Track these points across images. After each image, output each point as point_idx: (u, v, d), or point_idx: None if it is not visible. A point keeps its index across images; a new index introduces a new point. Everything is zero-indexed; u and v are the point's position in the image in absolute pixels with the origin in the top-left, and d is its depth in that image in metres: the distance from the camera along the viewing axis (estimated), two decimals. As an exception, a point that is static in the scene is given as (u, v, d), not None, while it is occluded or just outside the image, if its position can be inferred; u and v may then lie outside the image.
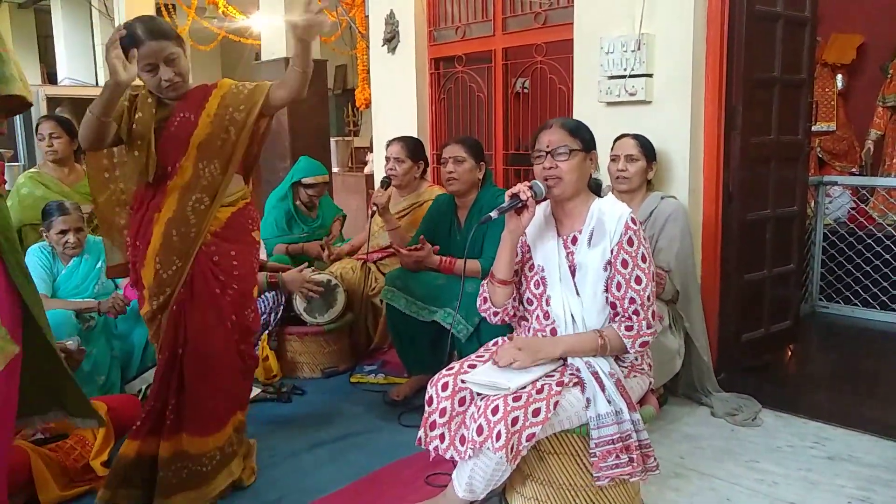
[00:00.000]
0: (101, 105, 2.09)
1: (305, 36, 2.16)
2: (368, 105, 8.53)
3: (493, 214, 2.06)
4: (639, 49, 3.05)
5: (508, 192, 2.07)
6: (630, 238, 1.96)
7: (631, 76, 3.10)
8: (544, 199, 2.10)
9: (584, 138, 2.06)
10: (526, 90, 4.10)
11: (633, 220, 1.98)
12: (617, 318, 1.98)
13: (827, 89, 5.39)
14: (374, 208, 3.31)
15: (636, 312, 1.95)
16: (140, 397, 2.94)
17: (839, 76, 5.42)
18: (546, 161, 2.03)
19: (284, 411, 3.07)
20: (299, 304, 3.41)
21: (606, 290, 1.98)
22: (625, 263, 1.96)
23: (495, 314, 2.16)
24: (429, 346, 3.08)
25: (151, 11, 8.61)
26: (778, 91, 3.24)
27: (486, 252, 2.86)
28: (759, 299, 3.35)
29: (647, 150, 2.95)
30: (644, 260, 1.96)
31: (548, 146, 2.03)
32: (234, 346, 2.33)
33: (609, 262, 1.98)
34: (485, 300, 2.18)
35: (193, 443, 2.23)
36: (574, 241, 2.06)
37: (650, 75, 3.09)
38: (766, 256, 3.35)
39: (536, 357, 1.93)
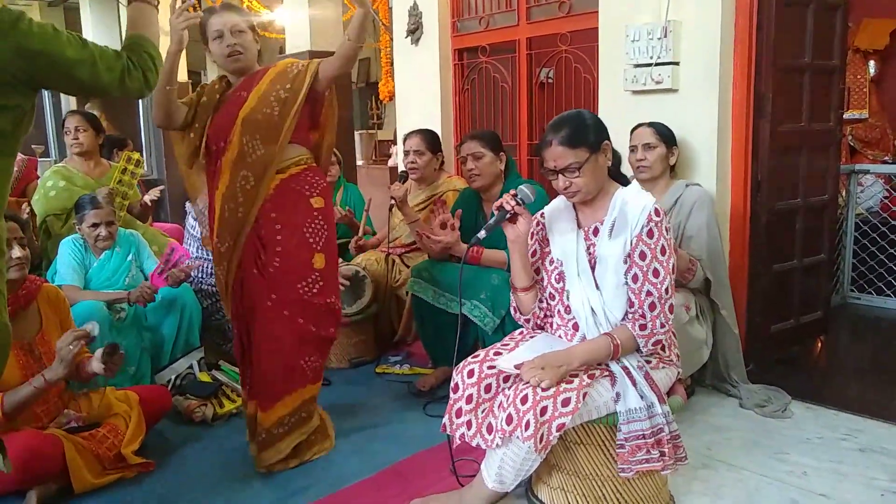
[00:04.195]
0: (163, 74, 2.18)
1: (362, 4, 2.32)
2: (392, 98, 8.57)
3: (482, 235, 2.05)
4: (665, 37, 3.01)
5: (494, 205, 2.07)
6: (650, 229, 1.91)
7: (657, 64, 3.06)
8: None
9: (587, 143, 1.95)
10: (550, 80, 4.07)
11: (656, 212, 1.92)
12: (631, 314, 1.93)
13: (859, 76, 5.27)
14: (393, 202, 3.32)
15: (652, 306, 1.91)
16: (169, 387, 2.98)
17: (871, 62, 5.30)
18: (560, 180, 1.98)
19: (311, 401, 3.09)
20: (326, 295, 3.43)
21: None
22: (643, 255, 1.91)
23: (527, 321, 2.16)
24: (453, 337, 3.08)
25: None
26: (809, 78, 3.18)
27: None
28: (788, 290, 3.30)
29: (665, 135, 2.92)
30: (663, 252, 1.91)
31: (555, 166, 1.97)
32: (276, 325, 2.37)
33: (629, 255, 1.93)
34: (515, 309, 2.18)
35: (260, 413, 2.42)
36: (595, 232, 2.02)
37: (677, 63, 3.05)
38: (795, 246, 3.30)
39: (560, 374, 1.83)
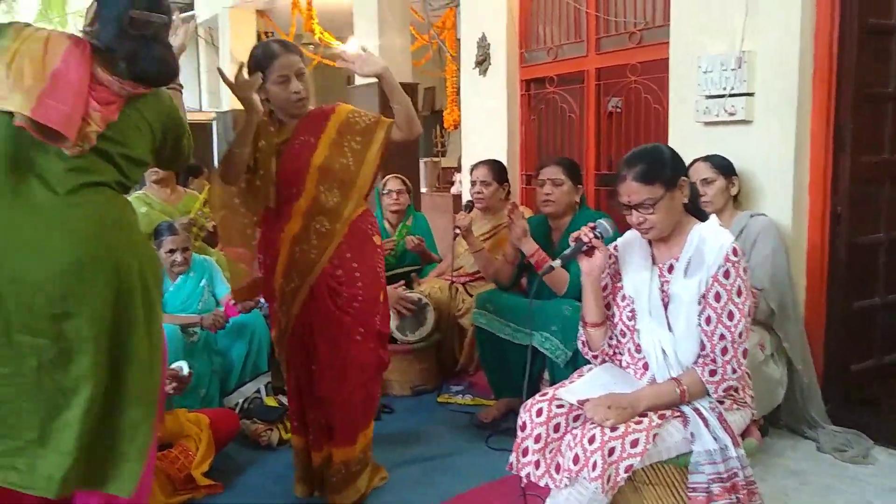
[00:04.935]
0: (239, 138, 2.24)
1: (366, 73, 2.32)
2: (457, 126, 8.63)
3: (556, 264, 2.03)
4: (739, 67, 2.95)
5: (572, 237, 2.03)
6: (727, 270, 1.83)
7: (731, 95, 3.00)
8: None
9: (664, 179, 1.89)
10: (617, 109, 4.04)
11: (734, 251, 1.84)
12: (702, 358, 1.86)
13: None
14: (457, 231, 3.33)
15: (724, 351, 1.83)
16: (237, 410, 3.05)
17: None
18: (633, 216, 1.93)
19: (375, 428, 3.05)
20: (392, 320, 3.45)
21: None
22: (718, 297, 1.84)
23: (595, 357, 2.11)
24: (518, 370, 3.05)
25: (253, 40, 9.02)
26: (892, 108, 3.06)
27: (573, 269, 2.81)
28: (869, 328, 3.15)
29: (722, 167, 2.86)
30: (739, 294, 1.83)
31: (628, 201, 1.92)
32: (365, 356, 2.41)
33: (703, 295, 1.86)
34: (584, 344, 2.14)
35: (336, 453, 2.40)
36: (670, 269, 1.96)
37: (751, 94, 2.98)
38: (878, 283, 3.15)
39: (625, 416, 1.78)
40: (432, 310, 3.50)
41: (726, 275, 1.84)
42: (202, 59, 10.28)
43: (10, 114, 1.60)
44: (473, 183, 3.60)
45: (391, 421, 3.20)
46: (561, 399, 1.93)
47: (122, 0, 1.72)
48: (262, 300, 3.29)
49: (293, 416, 2.54)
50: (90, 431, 1.65)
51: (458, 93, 6.69)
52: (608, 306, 2.08)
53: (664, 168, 1.91)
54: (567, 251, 2.02)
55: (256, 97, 2.22)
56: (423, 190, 7.68)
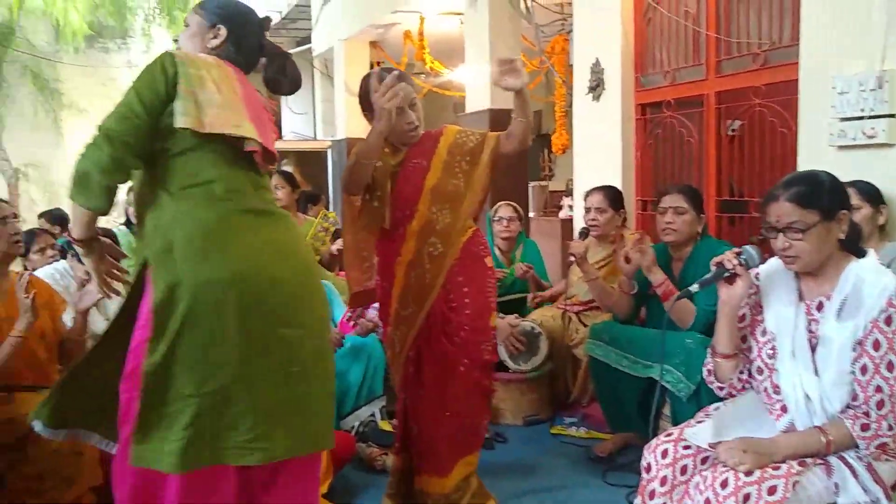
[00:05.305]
0: (367, 149, 2.27)
1: (516, 85, 2.29)
2: (565, 150, 8.55)
3: (694, 288, 1.93)
4: (880, 87, 2.76)
5: (714, 261, 1.92)
6: (889, 316, 1.69)
7: (870, 117, 2.81)
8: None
9: (822, 206, 1.75)
10: (735, 132, 3.88)
11: None
12: (853, 409, 1.72)
13: None
14: (572, 259, 3.28)
15: (880, 404, 1.68)
16: (353, 433, 3.11)
17: None
18: (779, 240, 1.79)
19: (487, 457, 3.06)
20: (503, 350, 3.44)
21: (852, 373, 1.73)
22: (877, 345, 1.69)
23: (720, 388, 2.00)
24: (635, 403, 2.96)
25: (366, 69, 9.35)
26: None
27: (699, 302, 2.71)
28: None
29: (870, 194, 2.65)
30: None
31: (777, 221, 1.79)
32: (467, 386, 2.41)
33: (859, 342, 1.72)
34: (709, 372, 2.02)
35: (430, 483, 2.40)
36: (820, 307, 1.82)
37: (893, 115, 2.78)
38: None
39: (762, 462, 1.67)
40: (545, 339, 3.46)
41: (888, 321, 1.70)
42: (317, 89, 10.73)
43: (230, 139, 1.75)
44: (588, 210, 3.55)
45: (504, 451, 3.17)
46: (688, 440, 1.85)
47: (255, 24, 1.92)
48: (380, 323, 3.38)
49: (397, 437, 2.58)
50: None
51: (566, 116, 6.64)
52: (743, 339, 1.96)
53: (823, 195, 1.77)
54: (706, 276, 1.92)
55: (394, 113, 2.25)
56: (530, 214, 7.65)
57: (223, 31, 1.90)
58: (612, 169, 4.34)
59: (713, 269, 1.92)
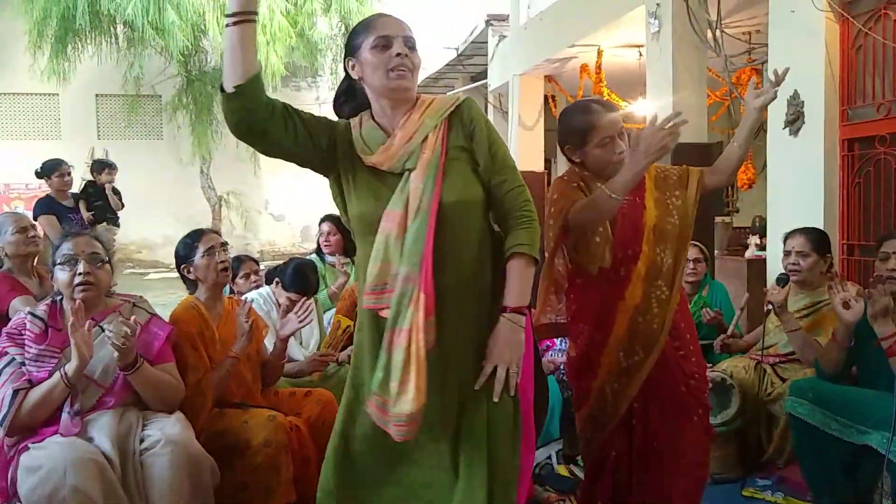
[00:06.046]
0: (625, 185, 2.09)
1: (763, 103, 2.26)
2: (751, 185, 8.06)
3: None
4: None
5: None
6: None
7: None
8: None
9: None
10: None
11: None
12: None
13: None
14: (770, 307, 3.04)
15: None
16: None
17: None
18: None
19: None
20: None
21: None
22: None
23: None
24: (842, 471, 2.67)
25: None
26: None
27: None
28: None
29: None
30: None
31: None
32: (700, 435, 2.33)
33: None
34: None
35: None
36: None
37: None
38: None
39: None
40: (738, 391, 3.22)
41: None
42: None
43: None
44: (787, 253, 3.28)
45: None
46: None
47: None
48: (562, 367, 3.32)
49: (583, 486, 2.49)
50: None
51: (752, 150, 6.25)
52: None
53: None
54: None
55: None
56: (714, 252, 7.24)
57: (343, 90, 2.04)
58: (812, 209, 4.01)
59: None
